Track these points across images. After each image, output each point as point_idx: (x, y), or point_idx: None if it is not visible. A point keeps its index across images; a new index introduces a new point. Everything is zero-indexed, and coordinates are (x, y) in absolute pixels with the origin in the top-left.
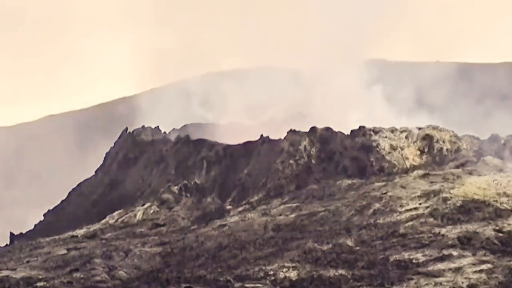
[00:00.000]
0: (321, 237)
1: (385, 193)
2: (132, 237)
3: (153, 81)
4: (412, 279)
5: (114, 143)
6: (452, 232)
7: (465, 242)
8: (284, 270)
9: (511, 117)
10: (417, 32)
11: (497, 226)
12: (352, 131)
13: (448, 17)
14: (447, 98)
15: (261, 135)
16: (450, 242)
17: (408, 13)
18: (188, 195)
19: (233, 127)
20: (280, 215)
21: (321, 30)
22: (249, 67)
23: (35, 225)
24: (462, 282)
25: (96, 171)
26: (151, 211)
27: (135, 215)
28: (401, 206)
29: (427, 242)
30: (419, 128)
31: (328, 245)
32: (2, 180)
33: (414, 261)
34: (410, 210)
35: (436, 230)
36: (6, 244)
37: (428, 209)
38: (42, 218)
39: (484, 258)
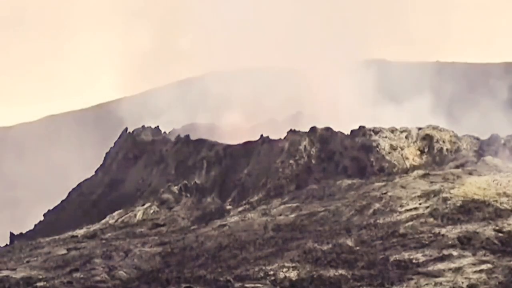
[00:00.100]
0: (321, 237)
1: (385, 193)
2: (132, 237)
3: (153, 81)
4: (412, 279)
5: (114, 143)
6: (452, 232)
7: (465, 242)
8: (284, 270)
9: (511, 117)
10: (417, 32)
11: (497, 226)
12: (352, 131)
13: (448, 17)
14: (447, 98)
15: (261, 135)
16: (450, 242)
17: (408, 13)
18: (188, 195)
19: (233, 127)
20: (280, 215)
21: (321, 30)
22: (248, 67)
23: (35, 225)
24: (462, 282)
25: (96, 171)
26: (151, 211)
27: (135, 215)
28: (401, 206)
29: (427, 242)
30: (419, 128)
31: (328, 245)
32: (2, 180)
33: (414, 261)
34: (410, 210)
35: (436, 230)
36: (6, 244)
37: (428, 209)
38: (42, 218)
39: (484, 258)
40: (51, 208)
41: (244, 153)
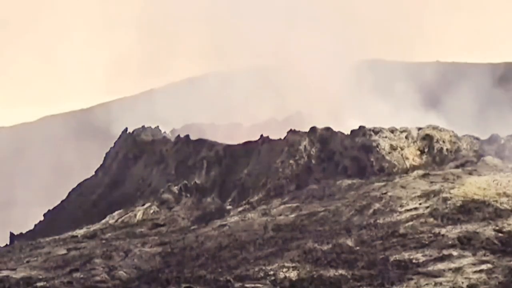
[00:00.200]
0: (321, 237)
1: (385, 193)
2: (132, 237)
3: (153, 81)
4: (412, 279)
5: (114, 143)
6: (452, 232)
7: (465, 242)
8: (284, 270)
9: (511, 117)
10: (417, 32)
11: (497, 226)
12: (352, 131)
13: (448, 17)
14: (447, 98)
15: (261, 135)
16: (450, 242)
17: (408, 13)
18: (188, 195)
19: (233, 127)
20: (280, 215)
21: (321, 30)
22: (248, 67)
23: (35, 225)
24: (462, 282)
25: (96, 171)
26: (151, 211)
27: (135, 215)
28: (401, 206)
29: (427, 242)
30: (419, 128)
31: (328, 245)
32: (2, 180)
33: (414, 261)
34: (410, 210)
35: (436, 230)
36: (6, 244)
37: (428, 209)
38: (42, 218)
39: (484, 258)
40: (51, 208)
41: (244, 153)
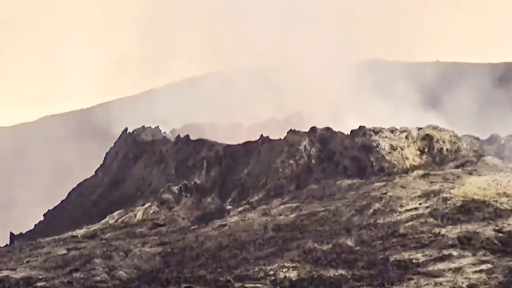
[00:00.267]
0: (321, 237)
1: (385, 193)
2: (132, 237)
3: (153, 81)
4: (412, 279)
5: (114, 143)
6: (452, 232)
7: (465, 242)
8: (284, 270)
9: (511, 117)
10: (417, 32)
11: (497, 226)
12: (352, 131)
13: (448, 17)
14: (447, 98)
15: (261, 135)
16: (450, 242)
17: (408, 13)
18: (188, 195)
19: (233, 127)
20: (280, 215)
21: (321, 30)
22: (248, 67)
23: (35, 225)
24: (462, 282)
25: (96, 171)
26: (151, 211)
27: (135, 215)
28: (401, 206)
29: (427, 242)
30: (419, 128)
31: (328, 245)
32: (2, 180)
33: (414, 261)
34: (410, 210)
35: (436, 230)
36: (6, 244)
37: (428, 209)
38: (42, 218)
39: (484, 258)
40: (51, 208)
41: (244, 153)
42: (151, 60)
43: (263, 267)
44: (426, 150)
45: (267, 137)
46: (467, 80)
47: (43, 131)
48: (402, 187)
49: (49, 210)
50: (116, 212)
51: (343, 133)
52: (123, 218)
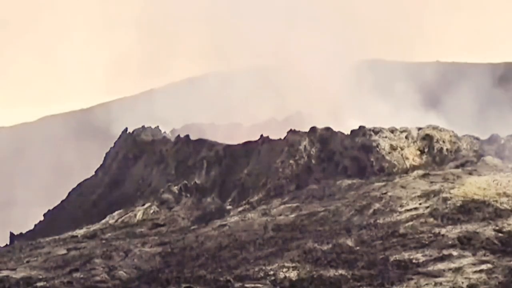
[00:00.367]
0: (321, 237)
1: (385, 193)
2: (132, 237)
3: (153, 81)
4: (412, 279)
5: (114, 143)
6: (452, 232)
7: (465, 242)
8: (284, 270)
9: (511, 117)
10: (417, 32)
11: (497, 226)
12: (352, 131)
13: (448, 17)
14: (447, 98)
15: (261, 135)
16: (450, 242)
17: (408, 13)
18: (188, 195)
19: (233, 127)
20: (280, 215)
21: (321, 29)
22: (248, 67)
23: (35, 225)
24: (462, 282)
25: (96, 171)
26: (151, 211)
27: (135, 215)
28: (401, 206)
29: (427, 242)
30: (419, 128)
31: (328, 245)
32: (2, 180)
33: (414, 261)
34: (410, 210)
35: (436, 230)
36: (6, 244)
37: (428, 209)
38: (42, 218)
39: (484, 258)
40: (51, 208)
41: (244, 153)
42: (151, 60)
43: (263, 267)
44: (426, 150)
45: (267, 137)
46: (467, 80)
47: (43, 131)
48: (402, 187)
49: (49, 210)
50: (116, 212)
51: (343, 133)
52: (123, 218)
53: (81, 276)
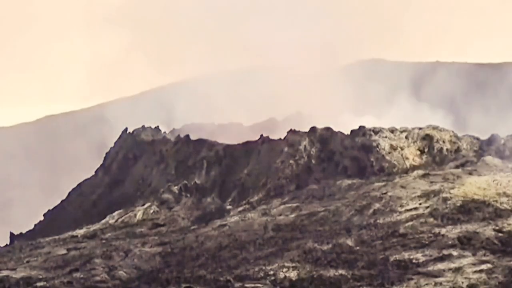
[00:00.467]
0: (321, 237)
1: (385, 193)
2: (132, 237)
3: (153, 81)
4: (412, 279)
5: (114, 143)
6: (452, 232)
7: (465, 242)
8: (284, 270)
9: (511, 117)
10: (417, 32)
11: (497, 226)
12: (352, 131)
13: (448, 17)
14: (447, 98)
15: (261, 135)
16: (450, 242)
17: (408, 13)
18: (188, 195)
19: (233, 127)
20: (280, 215)
21: (321, 29)
22: (248, 67)
23: (35, 225)
24: (462, 282)
25: (96, 171)
26: (151, 211)
27: (135, 215)
28: (401, 206)
29: (427, 242)
30: (419, 128)
31: (328, 245)
32: (2, 180)
33: (414, 261)
34: (410, 210)
35: (436, 230)
36: (6, 244)
37: (428, 209)
38: (42, 218)
39: (484, 258)
40: (51, 208)
41: (244, 153)
42: (151, 60)
43: (263, 267)
44: (426, 150)
45: (267, 137)
46: (467, 80)
47: (43, 131)
48: (402, 187)
49: (49, 210)
50: (116, 212)
51: (343, 133)
52: (123, 218)
53: (81, 276)
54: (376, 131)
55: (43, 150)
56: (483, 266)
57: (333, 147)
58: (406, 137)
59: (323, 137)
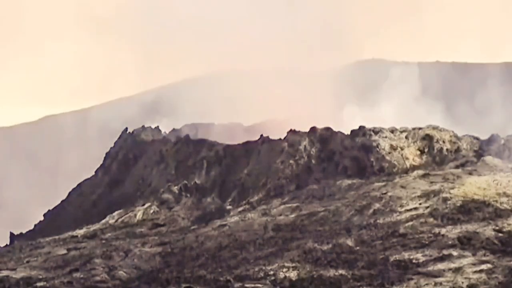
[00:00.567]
0: (321, 237)
1: (385, 193)
2: (132, 237)
3: (152, 81)
4: (412, 279)
5: (114, 143)
6: (452, 232)
7: (465, 242)
8: (284, 270)
9: (511, 117)
10: (417, 32)
11: (497, 226)
12: (352, 131)
13: (449, 17)
14: (447, 98)
15: (261, 135)
16: (450, 242)
17: (408, 13)
18: (188, 195)
19: (233, 127)
20: (280, 215)
21: (321, 29)
22: (248, 68)
23: (35, 225)
24: (462, 282)
25: (96, 171)
26: (151, 211)
27: (135, 215)
28: (401, 206)
29: (427, 242)
30: (419, 128)
31: (328, 245)
32: (2, 180)
33: (414, 261)
34: (410, 210)
35: (436, 230)
36: (6, 244)
37: (428, 209)
38: (42, 218)
39: (484, 258)
40: (51, 208)
41: (244, 153)
42: (150, 60)
43: (263, 267)
44: (426, 150)
45: (267, 137)
46: (467, 80)
47: (43, 131)
48: (402, 187)
49: (49, 210)
50: (116, 212)
51: (343, 133)
52: (123, 218)
53: (81, 276)
54: (376, 131)
55: (43, 150)
56: (483, 266)
57: (333, 147)
58: (406, 137)
59: (323, 137)
